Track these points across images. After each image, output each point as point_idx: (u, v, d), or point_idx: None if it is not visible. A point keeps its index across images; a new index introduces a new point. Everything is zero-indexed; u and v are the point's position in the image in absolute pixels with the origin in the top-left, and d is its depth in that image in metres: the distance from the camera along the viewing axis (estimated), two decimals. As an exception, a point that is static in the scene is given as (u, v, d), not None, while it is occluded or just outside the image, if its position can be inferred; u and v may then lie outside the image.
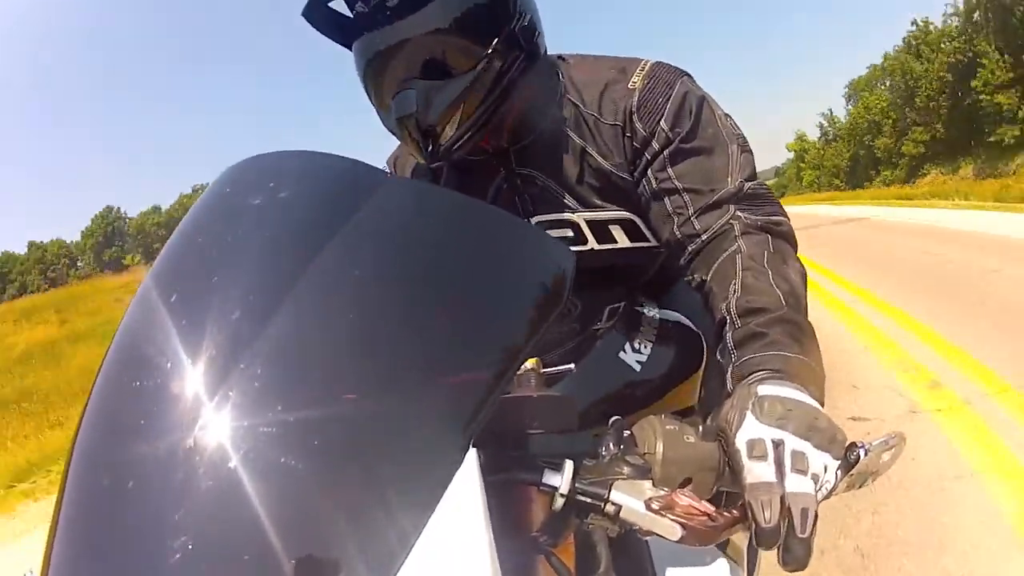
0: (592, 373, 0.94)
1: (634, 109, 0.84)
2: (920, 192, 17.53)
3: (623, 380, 0.94)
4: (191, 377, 0.46)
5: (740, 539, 0.78)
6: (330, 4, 0.81)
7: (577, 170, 0.89)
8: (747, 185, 0.82)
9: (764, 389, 0.61)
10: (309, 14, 0.82)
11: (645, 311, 1.01)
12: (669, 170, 0.84)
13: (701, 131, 0.84)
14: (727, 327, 0.73)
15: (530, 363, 0.65)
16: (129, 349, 0.53)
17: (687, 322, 1.03)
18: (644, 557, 0.66)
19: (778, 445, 0.56)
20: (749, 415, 0.58)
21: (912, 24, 23.30)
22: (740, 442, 0.57)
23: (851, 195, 23.41)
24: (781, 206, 0.85)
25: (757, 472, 0.55)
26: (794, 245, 0.83)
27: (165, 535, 0.41)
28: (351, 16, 0.81)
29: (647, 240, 0.93)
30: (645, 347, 0.96)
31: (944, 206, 13.30)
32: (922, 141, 22.19)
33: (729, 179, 0.82)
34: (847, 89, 28.87)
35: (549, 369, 0.68)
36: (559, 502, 0.53)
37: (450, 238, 0.58)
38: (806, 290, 0.77)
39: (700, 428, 0.60)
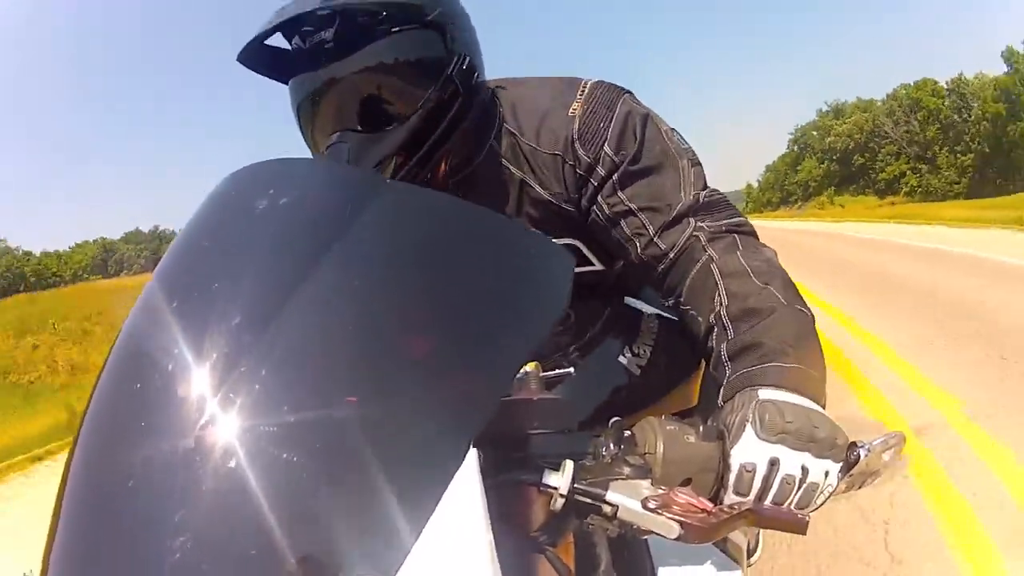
0: (591, 376, 0.94)
1: (575, 137, 0.83)
2: (779, 215, 39.52)
3: (622, 383, 0.94)
4: (193, 380, 0.46)
5: (738, 536, 0.78)
6: (268, 40, 0.80)
7: (516, 201, 0.88)
8: (702, 196, 0.81)
9: (765, 393, 0.62)
10: (246, 58, 0.81)
11: (645, 312, 1.02)
12: (620, 194, 0.82)
13: (647, 150, 0.82)
14: (718, 336, 0.72)
15: (529, 366, 0.65)
16: (132, 352, 0.53)
17: None
18: (643, 555, 0.66)
19: (773, 464, 0.58)
20: (748, 428, 0.59)
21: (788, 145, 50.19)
22: (735, 461, 0.58)
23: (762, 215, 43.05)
24: (737, 209, 0.84)
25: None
26: (758, 237, 0.82)
27: (165, 535, 0.41)
28: (290, 49, 0.80)
29: (592, 264, 0.93)
30: (644, 351, 0.96)
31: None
32: (779, 198, 48.73)
33: (683, 193, 0.81)
34: (765, 168, 54.85)
35: (548, 373, 0.69)
36: (559, 502, 0.53)
37: (451, 242, 0.58)
38: (784, 271, 0.77)
39: (700, 429, 0.60)
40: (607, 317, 0.99)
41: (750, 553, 0.99)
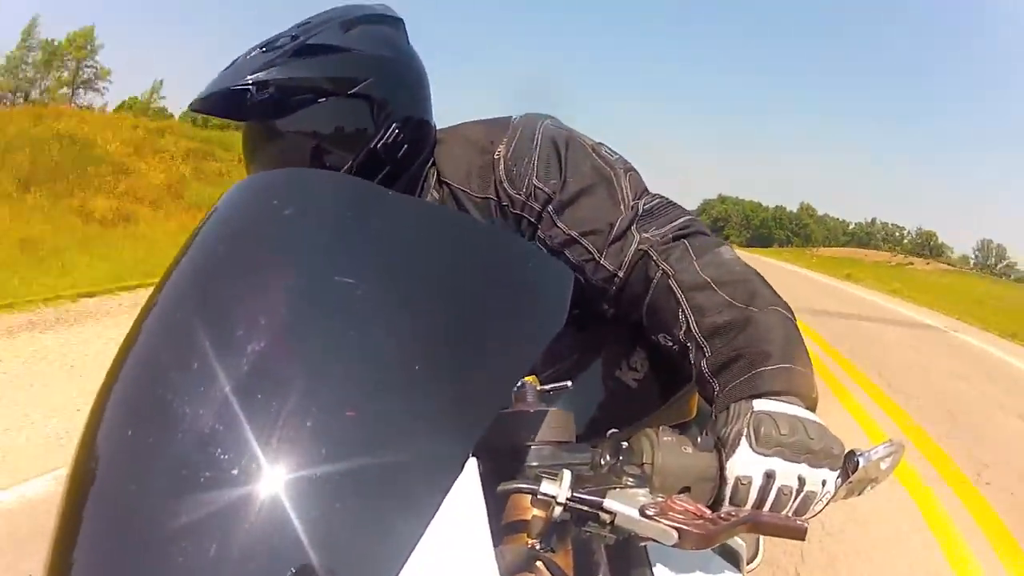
0: (590, 390, 0.94)
1: (503, 178, 0.83)
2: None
3: (620, 397, 0.94)
4: (197, 388, 0.47)
5: (737, 542, 0.78)
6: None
7: None
8: (641, 205, 0.80)
9: (759, 404, 0.63)
10: (198, 108, 0.84)
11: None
12: (559, 225, 0.81)
13: (575, 172, 0.81)
14: (695, 355, 0.71)
15: (528, 379, 0.66)
16: (135, 361, 0.53)
17: None
18: (642, 562, 0.66)
19: (769, 477, 0.59)
20: (744, 442, 0.60)
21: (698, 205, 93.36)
22: (730, 474, 0.59)
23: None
24: (681, 207, 0.82)
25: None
26: (709, 235, 0.81)
27: (166, 540, 0.41)
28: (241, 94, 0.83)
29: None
30: (642, 364, 0.96)
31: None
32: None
33: (622, 206, 0.80)
34: (701, 202, 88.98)
35: (546, 386, 0.69)
36: (557, 510, 0.54)
37: (453, 255, 0.59)
38: (746, 267, 0.75)
39: (698, 439, 0.61)
40: (603, 331, 0.99)
41: (750, 560, 0.98)
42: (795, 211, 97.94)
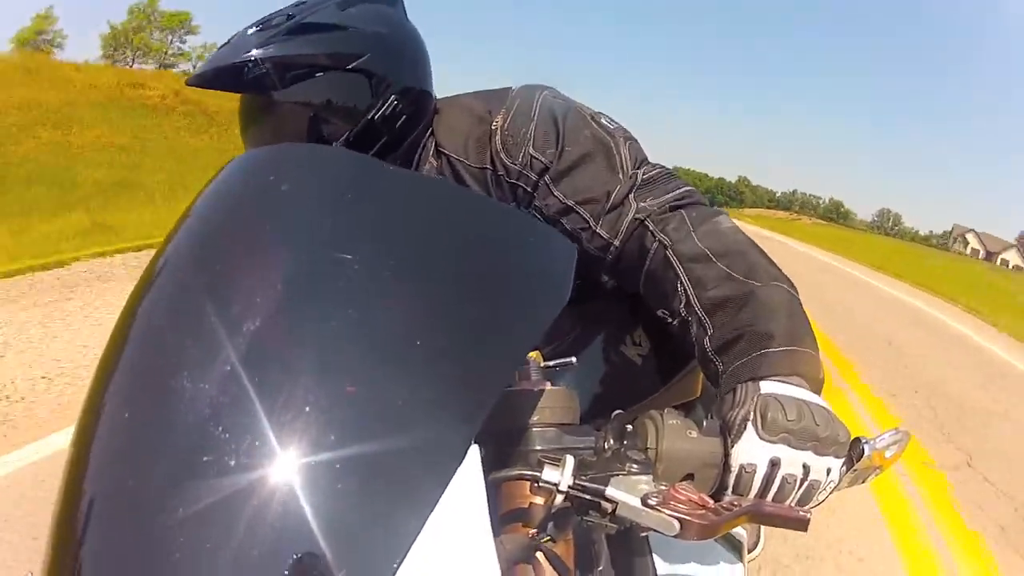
0: (594, 366, 0.92)
1: (499, 148, 0.82)
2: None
3: (625, 373, 0.92)
4: (194, 372, 0.45)
5: (739, 531, 0.78)
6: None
7: None
8: (639, 174, 0.78)
9: (766, 386, 0.61)
10: (196, 84, 0.83)
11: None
12: (556, 194, 0.80)
13: (573, 142, 0.80)
14: (697, 332, 0.70)
15: (532, 355, 0.61)
16: (132, 343, 0.51)
17: None
18: (644, 552, 0.65)
19: (774, 465, 0.57)
20: (750, 427, 0.58)
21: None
22: (735, 461, 0.57)
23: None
24: (680, 178, 0.81)
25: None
26: (707, 205, 0.79)
27: (165, 535, 0.40)
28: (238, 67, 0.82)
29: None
30: (646, 340, 0.94)
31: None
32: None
33: (620, 175, 0.78)
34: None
35: (550, 362, 0.65)
36: (559, 498, 0.52)
37: (453, 230, 0.57)
38: (745, 238, 0.74)
39: (704, 423, 0.59)
40: (606, 306, 0.96)
41: (751, 548, 1.01)
42: (733, 182, 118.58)
